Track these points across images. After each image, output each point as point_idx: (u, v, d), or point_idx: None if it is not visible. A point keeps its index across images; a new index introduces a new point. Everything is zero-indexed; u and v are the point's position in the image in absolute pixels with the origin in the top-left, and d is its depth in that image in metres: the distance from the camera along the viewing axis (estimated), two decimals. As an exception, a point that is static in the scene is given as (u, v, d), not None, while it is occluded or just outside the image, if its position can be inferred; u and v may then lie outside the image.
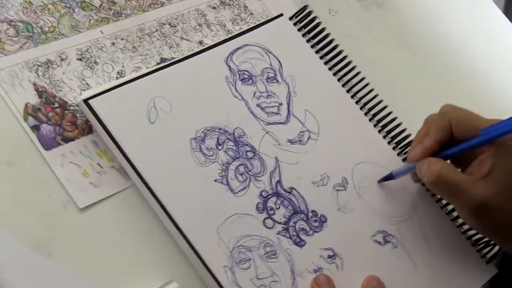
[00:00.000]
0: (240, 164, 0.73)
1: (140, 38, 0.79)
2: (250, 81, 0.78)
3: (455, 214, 0.79)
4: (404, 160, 0.81)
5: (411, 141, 0.80)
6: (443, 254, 0.78)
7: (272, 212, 0.72)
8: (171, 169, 0.70)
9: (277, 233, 0.72)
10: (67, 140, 0.70)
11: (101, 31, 0.77)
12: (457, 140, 0.70)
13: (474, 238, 0.80)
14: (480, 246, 0.79)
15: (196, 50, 0.78)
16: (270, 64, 0.80)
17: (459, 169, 0.71)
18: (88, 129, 0.71)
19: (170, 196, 0.69)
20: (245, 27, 0.84)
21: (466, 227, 0.79)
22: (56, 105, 0.71)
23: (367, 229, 0.76)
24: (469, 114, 0.70)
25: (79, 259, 0.66)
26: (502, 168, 0.67)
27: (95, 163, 0.70)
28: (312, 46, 0.84)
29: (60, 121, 0.71)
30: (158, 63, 0.77)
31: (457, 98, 0.77)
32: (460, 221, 0.79)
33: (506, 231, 0.70)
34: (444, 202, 0.80)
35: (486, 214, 0.68)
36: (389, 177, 0.77)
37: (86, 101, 0.70)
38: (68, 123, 0.71)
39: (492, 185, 0.67)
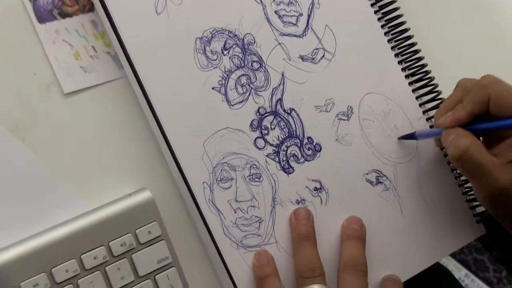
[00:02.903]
0: (243, 74, 0.68)
1: None
2: (274, -17, 0.72)
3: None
4: (418, 98, 0.76)
5: (430, 82, 0.75)
6: (434, 204, 0.74)
7: (266, 132, 0.68)
8: (168, 67, 0.66)
9: (267, 155, 0.68)
10: (64, 15, 0.65)
11: None
12: (492, 115, 0.64)
13: (470, 193, 0.76)
14: (475, 204, 0.76)
15: None
16: (299, -33, 0.73)
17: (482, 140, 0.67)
18: (89, 7, 0.66)
19: (161, 95, 0.65)
20: None
21: (464, 178, 0.76)
22: (59, -27, 0.66)
23: (362, 165, 0.72)
24: (511, 91, 0.64)
25: (52, 148, 0.63)
26: None
27: (89, 45, 0.66)
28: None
29: (60, -7, 0.65)
30: None
31: (503, 62, 0.72)
32: (459, 171, 0.75)
33: None
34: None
35: (503, 200, 0.64)
36: (410, 136, 0.73)
37: (90, -24, 0.64)
38: (69, -4, 0.66)
39: None
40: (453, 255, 1.74)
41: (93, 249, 0.60)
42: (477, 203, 0.75)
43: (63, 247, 0.59)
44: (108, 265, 0.60)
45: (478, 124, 0.65)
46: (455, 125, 0.66)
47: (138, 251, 0.62)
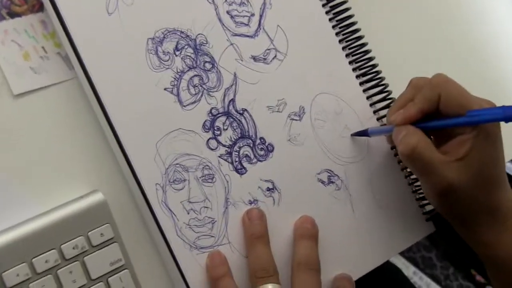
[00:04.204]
0: (195, 75, 0.68)
1: None
2: (225, -17, 0.72)
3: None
4: (368, 98, 0.77)
5: (381, 82, 0.76)
6: (385, 203, 0.75)
7: (218, 132, 0.68)
8: (119, 68, 0.65)
9: (219, 156, 0.68)
10: (13, 15, 0.64)
11: None
12: (442, 114, 0.66)
13: (419, 191, 0.77)
14: (424, 202, 0.77)
15: None
16: (250, -32, 0.74)
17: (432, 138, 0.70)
18: (38, 6, 0.65)
19: (113, 97, 0.64)
20: None
21: (413, 176, 0.77)
22: (8, -28, 0.65)
23: (314, 165, 0.73)
24: (460, 91, 0.66)
25: (2, 149, 0.62)
26: (478, 155, 0.65)
27: (39, 46, 0.65)
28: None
29: (9, -8, 0.64)
30: None
31: (452, 63, 0.74)
32: (409, 170, 0.76)
33: (462, 216, 0.69)
34: (398, 150, 0.77)
35: (451, 198, 0.66)
36: (363, 133, 0.74)
37: (40, -25, 0.63)
38: (18, -4, 0.65)
39: (464, 171, 0.65)
40: (401, 253, 1.76)
41: (44, 253, 0.59)
42: (427, 201, 0.77)
43: (14, 250, 0.58)
44: (60, 268, 0.59)
45: (428, 122, 0.66)
46: (406, 122, 0.67)
47: (91, 253, 0.61)
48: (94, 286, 0.61)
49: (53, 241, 0.60)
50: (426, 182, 0.68)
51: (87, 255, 0.61)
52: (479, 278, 1.70)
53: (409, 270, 1.75)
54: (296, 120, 0.72)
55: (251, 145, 0.70)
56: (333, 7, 0.77)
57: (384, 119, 0.75)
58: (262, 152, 0.70)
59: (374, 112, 0.77)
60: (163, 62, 0.67)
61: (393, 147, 0.76)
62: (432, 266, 1.75)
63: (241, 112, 0.70)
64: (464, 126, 0.65)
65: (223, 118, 0.69)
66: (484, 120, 0.63)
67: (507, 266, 0.69)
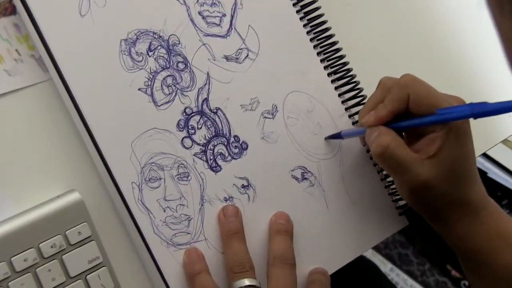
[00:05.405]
0: (168, 75, 0.69)
1: None
2: (197, -16, 0.73)
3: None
4: (340, 95, 0.78)
5: (352, 80, 0.78)
6: (358, 199, 0.77)
7: (192, 131, 0.69)
8: (93, 70, 0.66)
9: (194, 155, 0.69)
10: (-14, 18, 0.65)
11: None
12: (412, 113, 0.68)
13: (392, 187, 0.78)
14: (397, 197, 0.78)
15: None
16: (221, -31, 0.75)
17: (404, 137, 0.71)
18: (11, 9, 0.66)
19: (88, 98, 0.65)
20: None
21: (386, 172, 0.78)
22: (-20, -24, 0.65)
23: (287, 162, 0.74)
24: (429, 90, 0.68)
25: (-23, 151, 0.62)
26: (449, 152, 0.67)
27: (13, 49, 0.65)
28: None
29: (-19, -4, 0.65)
30: None
31: (422, 60, 0.76)
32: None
33: (435, 211, 0.71)
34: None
35: (424, 194, 0.68)
36: (337, 136, 0.75)
37: (12, -21, 0.64)
38: (-10, 0, 0.65)
39: (436, 168, 0.66)
40: (378, 250, 1.78)
41: (23, 251, 0.60)
42: (399, 196, 0.78)
43: (-8, 250, 0.59)
44: (39, 266, 0.60)
45: (399, 122, 0.68)
46: (377, 123, 0.68)
47: (69, 252, 0.62)
48: (73, 284, 0.62)
49: (31, 240, 0.60)
50: (399, 180, 0.69)
51: (66, 253, 0.62)
52: (454, 273, 1.72)
53: (386, 266, 1.77)
54: (269, 118, 0.74)
55: (225, 143, 0.71)
56: (303, 7, 0.78)
57: (356, 116, 0.77)
58: (236, 150, 0.71)
59: (346, 109, 0.78)
60: (136, 62, 0.68)
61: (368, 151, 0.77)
62: (408, 262, 1.77)
63: (214, 111, 0.71)
64: (434, 124, 0.67)
65: (197, 117, 0.70)
66: (453, 117, 0.64)
67: (480, 258, 0.71)
